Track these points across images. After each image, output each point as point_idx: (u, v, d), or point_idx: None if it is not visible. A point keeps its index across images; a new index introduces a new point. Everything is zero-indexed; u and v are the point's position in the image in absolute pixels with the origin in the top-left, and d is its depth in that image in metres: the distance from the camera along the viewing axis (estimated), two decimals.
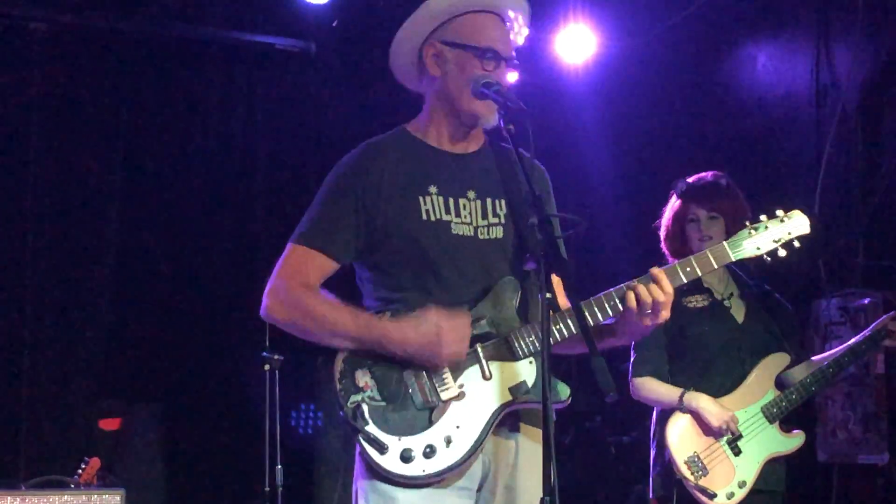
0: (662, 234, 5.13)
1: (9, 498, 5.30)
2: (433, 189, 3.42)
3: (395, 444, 3.23)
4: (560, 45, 7.55)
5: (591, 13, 7.52)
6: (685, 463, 4.77)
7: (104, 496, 5.43)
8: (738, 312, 5.00)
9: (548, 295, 2.96)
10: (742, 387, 4.89)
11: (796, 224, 3.51)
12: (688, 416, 4.83)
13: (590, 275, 7.14)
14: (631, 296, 3.26)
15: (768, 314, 5.05)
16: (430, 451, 3.23)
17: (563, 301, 3.48)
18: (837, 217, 6.52)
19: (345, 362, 3.32)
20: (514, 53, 3.51)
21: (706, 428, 4.80)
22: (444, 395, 3.28)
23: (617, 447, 7.54)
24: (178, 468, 7.28)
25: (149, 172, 7.37)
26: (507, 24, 3.54)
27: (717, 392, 4.85)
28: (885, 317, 4.89)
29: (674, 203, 5.13)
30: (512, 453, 3.38)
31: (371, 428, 3.23)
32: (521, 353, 3.31)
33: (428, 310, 3.28)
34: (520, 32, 3.61)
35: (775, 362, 4.94)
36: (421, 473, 3.23)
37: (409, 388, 3.28)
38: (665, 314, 3.29)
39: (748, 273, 5.18)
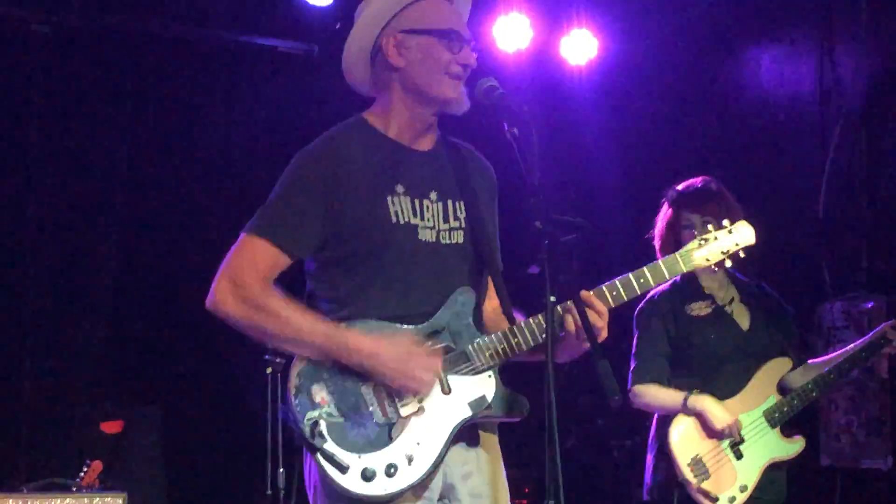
0: (657, 243, 5.10)
1: (10, 501, 5.30)
2: (400, 188, 3.33)
3: (355, 462, 3.14)
4: (565, 48, 7.55)
5: (594, 17, 7.51)
6: (688, 465, 4.75)
7: (106, 499, 5.43)
8: (742, 318, 4.99)
9: (552, 298, 2.95)
10: (744, 391, 4.88)
11: (742, 235, 3.61)
12: (691, 419, 4.81)
13: (594, 277, 7.13)
14: (569, 319, 3.21)
15: (769, 317, 5.05)
16: (392, 471, 3.15)
17: (493, 305, 3.47)
18: (841, 220, 6.51)
19: (300, 376, 3.21)
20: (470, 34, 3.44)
21: (709, 430, 4.78)
22: (404, 411, 3.20)
23: (619, 451, 7.52)
24: (180, 471, 7.27)
25: (151, 175, 7.36)
26: (456, 6, 3.49)
27: (724, 399, 4.84)
28: (883, 325, 4.88)
29: (665, 211, 5.12)
30: (472, 463, 3.35)
31: (330, 445, 3.13)
32: (479, 366, 3.28)
33: (403, 333, 3.23)
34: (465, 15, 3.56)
35: (777, 367, 4.93)
36: (383, 493, 3.14)
37: (369, 404, 3.20)
38: (604, 334, 3.24)
39: (746, 275, 5.17)
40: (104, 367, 7.13)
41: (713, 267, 3.60)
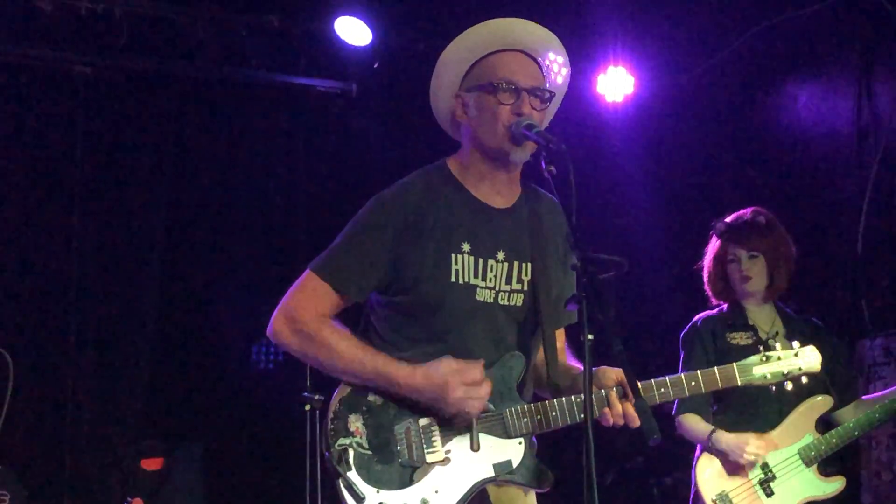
0: (705, 275, 5.12)
1: None
2: (466, 247, 3.38)
3: (372, 495, 3.22)
4: (601, 85, 7.58)
5: (630, 55, 7.55)
6: (713, 501, 4.74)
7: None
8: None
9: (590, 337, 2.95)
10: (779, 428, 4.86)
11: (808, 360, 3.57)
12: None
13: (630, 314, 7.12)
14: (606, 413, 3.27)
15: None
16: None
17: (562, 358, 3.51)
18: (880, 256, 6.48)
19: (341, 402, 3.32)
20: (539, 84, 3.42)
21: (737, 466, 4.77)
22: (430, 458, 3.28)
23: (659, 488, 7.48)
24: None
25: (192, 213, 7.42)
26: (539, 60, 3.46)
27: (760, 432, 4.81)
28: None
29: (714, 243, 5.11)
30: None
31: (353, 474, 3.23)
32: (512, 432, 3.32)
33: (442, 359, 3.28)
34: (555, 65, 3.54)
35: (817, 405, 4.90)
36: None
37: (398, 444, 3.29)
38: None
39: (796, 309, 5.15)
40: (145, 405, 7.16)
41: (770, 386, 3.55)
